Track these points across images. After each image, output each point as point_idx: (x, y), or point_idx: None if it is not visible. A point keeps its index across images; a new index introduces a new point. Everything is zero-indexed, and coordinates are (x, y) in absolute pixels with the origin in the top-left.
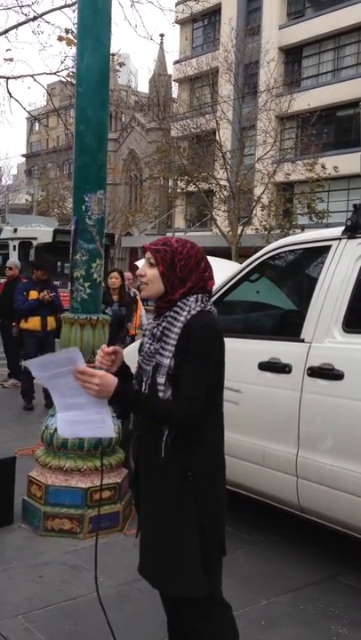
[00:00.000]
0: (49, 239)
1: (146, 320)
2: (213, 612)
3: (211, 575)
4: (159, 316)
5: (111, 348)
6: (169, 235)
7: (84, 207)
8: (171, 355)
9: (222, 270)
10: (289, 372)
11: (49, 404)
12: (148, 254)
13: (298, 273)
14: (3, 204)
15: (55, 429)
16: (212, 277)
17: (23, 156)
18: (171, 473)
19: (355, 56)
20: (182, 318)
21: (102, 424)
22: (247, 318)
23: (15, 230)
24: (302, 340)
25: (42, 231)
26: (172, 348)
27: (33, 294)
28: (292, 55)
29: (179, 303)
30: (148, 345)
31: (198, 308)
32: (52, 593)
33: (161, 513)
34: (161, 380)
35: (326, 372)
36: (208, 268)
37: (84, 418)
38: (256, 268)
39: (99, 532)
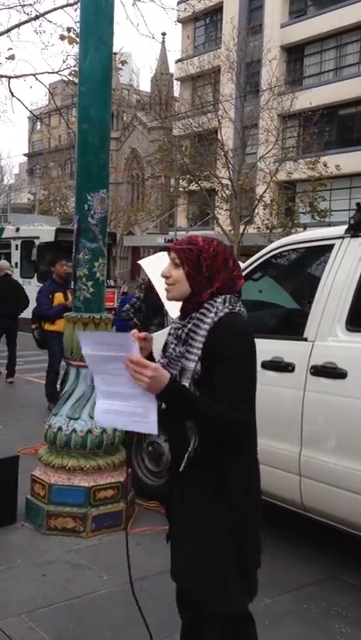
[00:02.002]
0: (51, 238)
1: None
2: (242, 630)
3: (247, 588)
4: (185, 317)
5: (143, 334)
6: (171, 234)
7: (86, 206)
8: (196, 359)
9: None
10: (292, 370)
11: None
12: (173, 254)
13: (301, 272)
14: (5, 204)
15: (59, 428)
16: (241, 276)
17: (25, 155)
18: (205, 481)
19: (357, 54)
20: (209, 320)
21: (145, 418)
22: (250, 317)
23: (17, 229)
24: (305, 339)
25: (44, 230)
26: (198, 352)
27: (58, 297)
28: (294, 54)
29: (205, 304)
30: (172, 346)
31: (226, 310)
32: (56, 592)
33: (198, 525)
34: (185, 383)
35: (329, 371)
36: (237, 266)
37: (126, 409)
38: (259, 267)
39: (102, 532)
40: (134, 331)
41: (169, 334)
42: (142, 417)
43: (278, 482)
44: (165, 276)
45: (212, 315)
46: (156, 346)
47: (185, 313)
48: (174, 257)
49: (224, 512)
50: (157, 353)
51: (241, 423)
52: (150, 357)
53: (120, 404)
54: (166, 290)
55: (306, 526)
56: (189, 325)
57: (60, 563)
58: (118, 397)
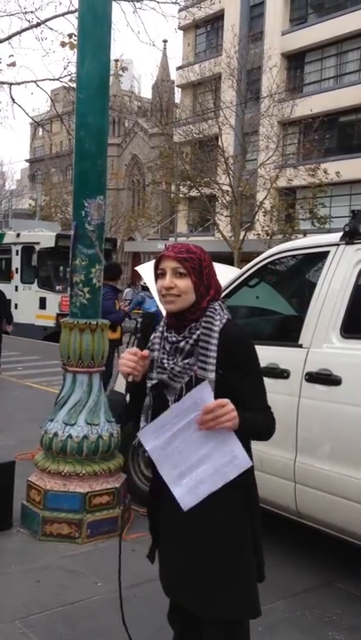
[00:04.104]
0: (51, 244)
1: None
2: (240, 630)
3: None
4: (179, 328)
5: (146, 352)
6: (171, 240)
7: (83, 212)
8: (214, 368)
9: (222, 275)
10: (287, 377)
11: None
12: (175, 264)
13: (296, 278)
14: (6, 209)
15: (55, 434)
16: (219, 282)
17: (27, 161)
18: (222, 492)
19: (357, 62)
20: (216, 328)
21: (236, 459)
22: (246, 324)
23: (18, 235)
24: (300, 346)
25: (44, 236)
26: (214, 361)
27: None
28: (295, 61)
29: (208, 313)
30: (166, 360)
31: (226, 317)
32: (50, 598)
33: (217, 535)
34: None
35: (324, 378)
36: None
37: (210, 469)
38: (255, 274)
39: (97, 538)
40: (135, 350)
41: (153, 350)
42: (230, 462)
43: (273, 488)
44: (169, 287)
45: (218, 322)
46: None
47: (183, 323)
48: (177, 266)
49: (243, 518)
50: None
51: (275, 422)
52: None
53: (201, 469)
54: (169, 301)
55: (300, 533)
56: (194, 336)
57: (54, 569)
58: (197, 466)
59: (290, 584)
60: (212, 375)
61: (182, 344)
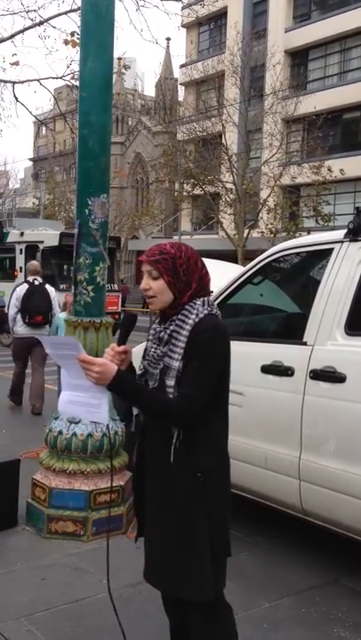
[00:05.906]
0: (55, 242)
1: None
2: (216, 614)
3: (218, 577)
4: (165, 320)
5: (122, 347)
6: (175, 238)
7: (87, 211)
8: (180, 357)
9: (226, 273)
10: (291, 374)
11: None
12: (148, 267)
13: (300, 276)
14: (10, 208)
15: (59, 432)
16: (208, 273)
17: (30, 159)
18: (181, 475)
19: None
20: (190, 321)
21: (98, 409)
22: (250, 321)
23: (22, 234)
24: (305, 343)
25: (48, 234)
26: (181, 351)
27: None
28: (299, 58)
29: (186, 306)
30: (153, 349)
31: (206, 311)
32: (55, 595)
33: (173, 516)
34: (171, 382)
35: (329, 375)
36: (204, 264)
37: (84, 400)
38: (259, 271)
39: (102, 536)
40: (113, 345)
41: (148, 340)
42: (96, 408)
43: (278, 486)
44: (145, 289)
45: (194, 316)
46: (137, 358)
47: (166, 316)
48: (150, 269)
49: (198, 503)
50: (136, 365)
51: (190, 411)
52: (130, 368)
53: (80, 394)
54: (149, 302)
55: (306, 530)
56: (172, 327)
57: (59, 566)
58: (80, 389)
59: (295, 581)
60: (176, 364)
61: (162, 334)
